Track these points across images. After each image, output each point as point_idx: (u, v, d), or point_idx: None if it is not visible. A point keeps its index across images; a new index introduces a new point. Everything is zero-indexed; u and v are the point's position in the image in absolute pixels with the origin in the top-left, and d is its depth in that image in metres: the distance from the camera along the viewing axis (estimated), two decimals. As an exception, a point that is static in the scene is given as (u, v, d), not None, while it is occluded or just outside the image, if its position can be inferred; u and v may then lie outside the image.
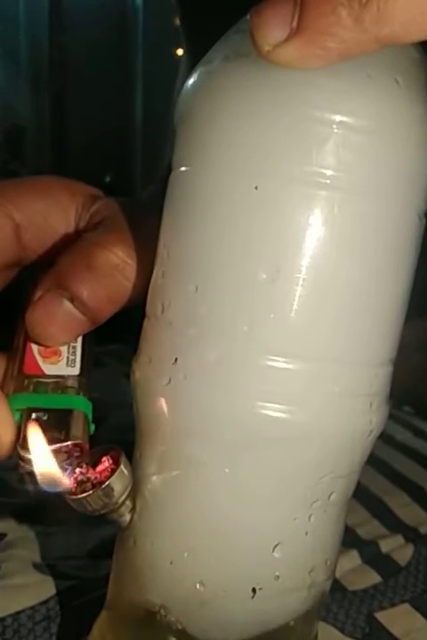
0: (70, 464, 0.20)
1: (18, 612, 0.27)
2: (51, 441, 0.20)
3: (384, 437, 0.21)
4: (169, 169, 0.20)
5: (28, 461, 0.20)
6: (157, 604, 0.21)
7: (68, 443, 0.20)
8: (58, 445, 0.20)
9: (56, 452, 0.20)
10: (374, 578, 0.32)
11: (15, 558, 0.30)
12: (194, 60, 0.20)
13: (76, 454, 0.20)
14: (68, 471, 0.20)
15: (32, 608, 0.28)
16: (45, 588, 0.29)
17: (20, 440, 0.20)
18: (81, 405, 0.21)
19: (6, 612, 0.27)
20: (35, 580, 0.29)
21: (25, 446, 0.20)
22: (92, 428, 0.21)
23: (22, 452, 0.20)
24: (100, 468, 0.20)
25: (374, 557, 0.33)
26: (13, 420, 0.20)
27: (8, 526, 0.33)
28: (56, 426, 0.20)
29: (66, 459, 0.20)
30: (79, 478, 0.20)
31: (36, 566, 0.30)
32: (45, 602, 0.28)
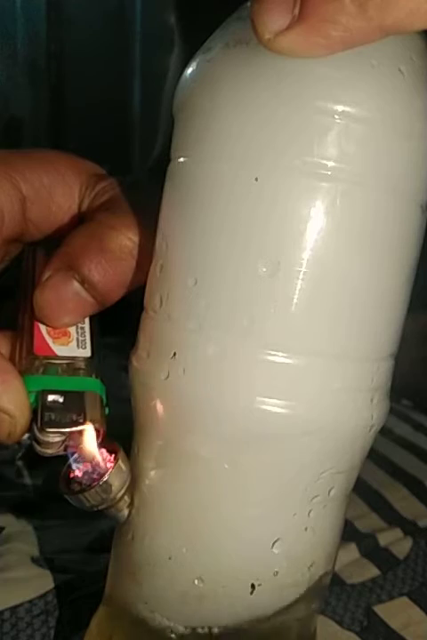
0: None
1: (16, 606, 0.27)
2: (68, 424, 0.19)
3: (383, 431, 0.21)
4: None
5: (45, 444, 0.20)
6: (155, 600, 0.21)
7: (87, 426, 0.20)
8: (76, 428, 0.19)
9: (74, 436, 0.20)
10: (372, 571, 0.32)
11: (13, 552, 0.30)
12: (188, 55, 0.20)
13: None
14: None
15: (30, 602, 0.28)
16: (44, 581, 0.29)
17: (39, 423, 0.19)
18: (96, 388, 0.21)
19: (4, 605, 0.27)
20: (33, 573, 0.29)
21: (43, 429, 0.19)
22: (107, 411, 0.21)
23: (40, 435, 0.19)
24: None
25: (372, 551, 0.33)
26: (29, 402, 0.20)
27: (6, 520, 0.33)
28: (71, 409, 0.20)
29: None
30: (76, 474, 0.20)
31: (34, 560, 0.30)
32: (43, 595, 0.28)
